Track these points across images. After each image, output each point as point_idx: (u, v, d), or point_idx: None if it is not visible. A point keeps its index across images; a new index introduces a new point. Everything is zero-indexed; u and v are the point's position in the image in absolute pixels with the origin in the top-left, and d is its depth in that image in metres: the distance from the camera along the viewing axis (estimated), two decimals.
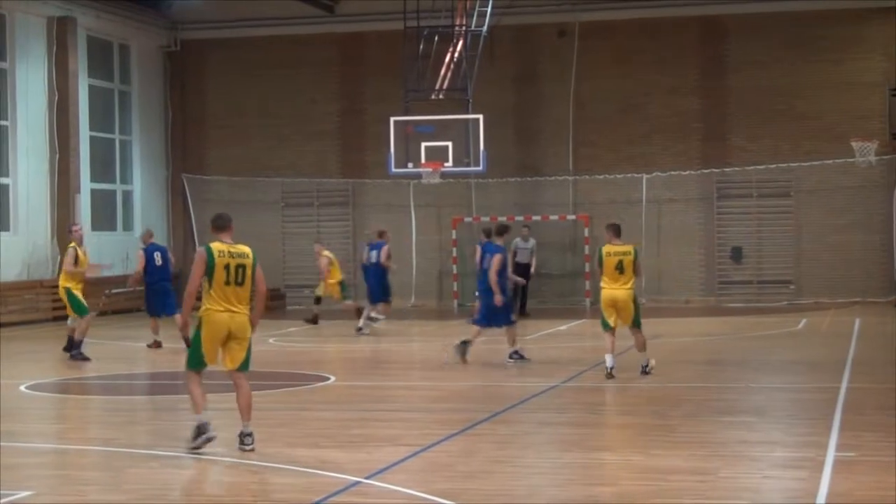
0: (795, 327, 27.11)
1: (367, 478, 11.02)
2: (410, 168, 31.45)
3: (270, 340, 25.87)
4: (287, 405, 16.45)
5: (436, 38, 32.72)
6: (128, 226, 37.05)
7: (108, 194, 36.28)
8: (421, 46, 32.52)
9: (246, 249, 12.67)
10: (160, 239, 37.78)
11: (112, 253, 35.26)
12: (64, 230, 32.43)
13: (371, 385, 18.66)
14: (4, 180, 31.69)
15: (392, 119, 31.53)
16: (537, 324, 28.38)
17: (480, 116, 31.19)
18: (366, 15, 36.20)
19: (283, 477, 11.28)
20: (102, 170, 35.90)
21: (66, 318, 32.41)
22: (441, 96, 32.55)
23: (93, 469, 12.27)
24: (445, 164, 31.11)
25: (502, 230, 20.60)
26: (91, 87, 35.08)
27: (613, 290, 17.86)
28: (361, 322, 26.79)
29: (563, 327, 28.25)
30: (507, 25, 34.42)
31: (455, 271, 36.09)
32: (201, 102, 38.32)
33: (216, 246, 12.48)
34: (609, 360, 17.71)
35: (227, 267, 12.41)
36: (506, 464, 11.96)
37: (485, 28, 32.68)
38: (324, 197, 37.39)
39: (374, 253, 27.53)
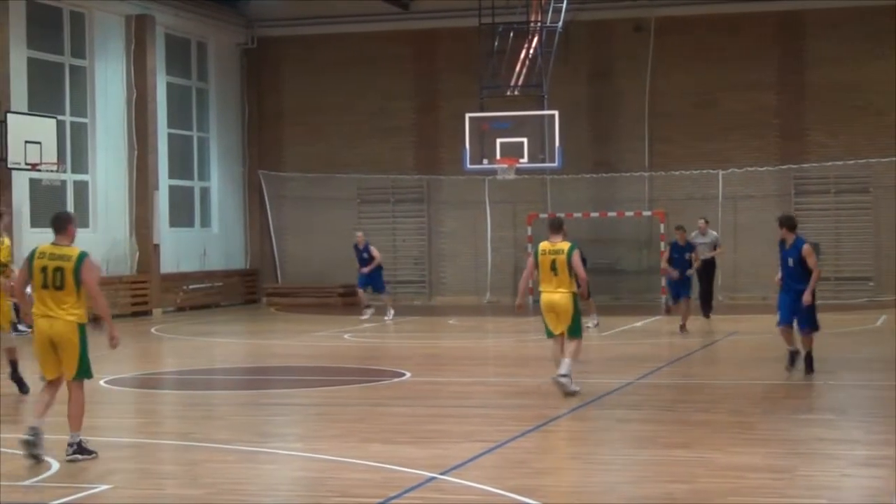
0: (874, 324, 26.80)
1: (442, 473, 11.02)
2: (486, 164, 31.40)
3: (345, 336, 25.95)
4: (362, 401, 16.50)
5: (511, 35, 32.68)
6: (205, 222, 37.33)
7: (185, 191, 36.56)
8: (496, 43, 32.48)
9: (70, 251, 11.81)
10: (237, 235, 38.19)
11: (190, 249, 35.62)
12: (143, 227, 32.78)
13: (446, 381, 18.66)
14: (84, 177, 32.02)
15: (467, 115, 31.50)
16: (613, 321, 28.24)
17: (556, 112, 31.07)
18: (440, 12, 36.18)
19: (359, 472, 11.30)
20: (180, 166, 36.20)
21: (145, 313, 32.85)
22: (516, 93, 32.47)
23: (170, 463, 12.36)
24: (521, 161, 31.00)
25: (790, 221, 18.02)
26: (169, 85, 35.38)
27: (550, 293, 15.81)
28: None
29: (639, 324, 28.12)
30: (582, 21, 34.31)
31: None
32: (278, 99, 38.52)
33: (40, 247, 11.87)
34: (563, 364, 15.75)
35: (44, 269, 11.74)
36: (581, 460, 11.92)
37: (560, 24, 32.57)
38: (399, 193, 37.46)
39: None
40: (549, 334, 16.07)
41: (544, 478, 10.93)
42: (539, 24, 32.67)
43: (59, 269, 11.69)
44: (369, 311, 30.44)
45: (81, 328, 11.81)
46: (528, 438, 13.02)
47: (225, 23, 37.57)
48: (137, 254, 33.07)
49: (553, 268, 15.69)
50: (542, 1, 32.79)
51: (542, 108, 31.54)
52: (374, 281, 30.58)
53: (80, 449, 11.63)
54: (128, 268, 32.79)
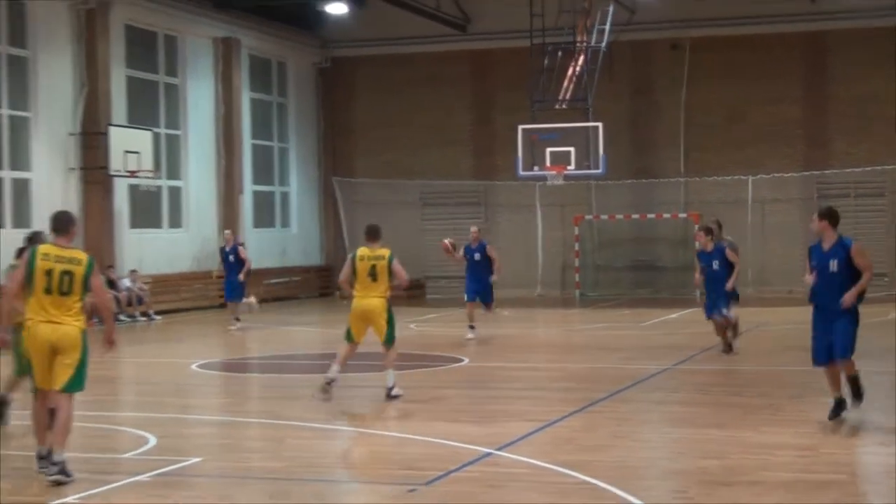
0: (887, 317, 26.51)
1: (498, 449, 11.03)
2: (536, 171, 31.36)
3: (411, 326, 25.96)
4: (427, 384, 16.51)
5: (559, 54, 32.54)
6: (285, 223, 37.51)
7: (267, 195, 36.73)
8: (546, 61, 32.39)
9: (78, 255, 9.91)
10: (313, 235, 38.37)
11: (271, 247, 35.79)
12: (230, 227, 32.97)
13: (501, 366, 18.66)
14: (177, 183, 32.25)
15: (520, 127, 31.45)
16: (652, 312, 28.12)
17: (600, 124, 30.96)
18: (495, 33, 36.15)
19: (424, 448, 11.32)
20: (263, 173, 36.37)
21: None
22: (564, 106, 32.34)
23: (254, 439, 12.43)
24: (568, 168, 30.93)
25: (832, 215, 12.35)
26: (252, 100, 35.56)
27: (365, 299, 14.28)
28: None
29: (674, 315, 27.96)
30: (624, 41, 34.13)
31: (577, 264, 35.99)
32: (350, 113, 38.63)
33: (43, 248, 9.92)
34: (334, 370, 14.24)
35: (48, 272, 9.74)
36: (624, 438, 11.89)
37: (604, 44, 32.45)
38: (458, 197, 37.44)
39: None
40: (350, 338, 14.43)
41: (590, 454, 10.90)
42: (585, 44, 32.55)
43: (67, 273, 9.77)
44: (239, 323, 25.58)
45: (85, 336, 9.91)
46: (576, 418, 13.00)
47: (302, 45, 37.73)
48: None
49: (372, 273, 14.25)
50: (587, 23, 32.66)
51: (588, 121, 31.43)
52: (239, 287, 25.72)
53: (63, 470, 9.64)
54: (216, 264, 32.91)
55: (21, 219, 26.78)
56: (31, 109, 27.25)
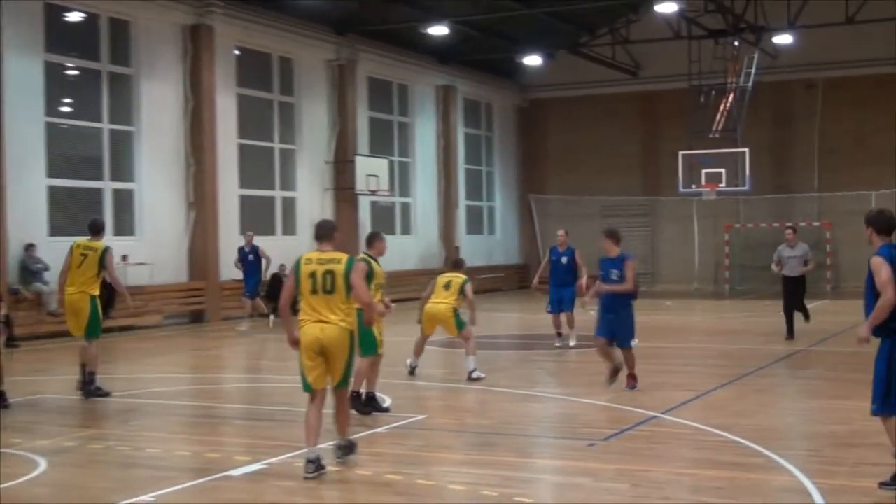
0: None
1: (662, 413, 10.90)
2: (694, 189, 31.04)
3: (591, 312, 25.78)
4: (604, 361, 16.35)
5: (713, 93, 31.95)
6: (491, 231, 37.74)
7: (477, 209, 37.01)
8: (701, 99, 31.83)
9: (338, 255, 8.63)
10: (513, 239, 38.41)
11: (481, 249, 36.05)
12: (448, 234, 33.32)
13: (664, 346, 18.39)
14: (407, 199, 32.79)
15: (680, 153, 31.18)
16: None
17: (746, 150, 30.44)
18: (660, 77, 35.62)
19: (601, 412, 11.27)
20: (473, 191, 36.67)
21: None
22: (717, 135, 31.75)
23: (468, 402, 12.53)
24: (720, 185, 30.51)
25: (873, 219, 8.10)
26: (466, 135, 35.89)
27: (435, 304, 14.19)
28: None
29: (810, 306, 27.01)
30: (767, 81, 33.26)
31: (727, 264, 35.29)
32: (543, 144, 38.65)
33: (306, 254, 8.72)
34: (413, 359, 14.51)
35: (312, 275, 8.50)
36: (766, 406, 11.60)
37: (750, 84, 31.75)
38: (630, 210, 37.07)
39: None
40: (423, 332, 14.44)
41: (738, 418, 10.67)
42: (734, 84, 31.90)
43: (329, 273, 8.50)
44: (245, 325, 21.77)
45: (352, 336, 8.56)
46: (726, 389, 12.74)
47: (505, 90, 37.89)
48: (444, 253, 33.64)
49: (447, 286, 14.31)
50: (736, 67, 32.05)
51: (736, 147, 30.86)
52: (254, 285, 22.11)
53: (351, 449, 8.79)
54: (437, 263, 33.36)
55: (288, 228, 27.63)
56: (296, 143, 28.10)
